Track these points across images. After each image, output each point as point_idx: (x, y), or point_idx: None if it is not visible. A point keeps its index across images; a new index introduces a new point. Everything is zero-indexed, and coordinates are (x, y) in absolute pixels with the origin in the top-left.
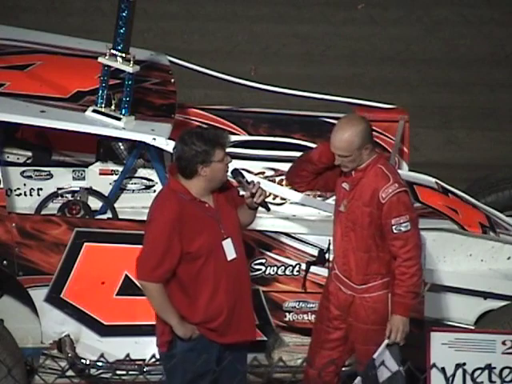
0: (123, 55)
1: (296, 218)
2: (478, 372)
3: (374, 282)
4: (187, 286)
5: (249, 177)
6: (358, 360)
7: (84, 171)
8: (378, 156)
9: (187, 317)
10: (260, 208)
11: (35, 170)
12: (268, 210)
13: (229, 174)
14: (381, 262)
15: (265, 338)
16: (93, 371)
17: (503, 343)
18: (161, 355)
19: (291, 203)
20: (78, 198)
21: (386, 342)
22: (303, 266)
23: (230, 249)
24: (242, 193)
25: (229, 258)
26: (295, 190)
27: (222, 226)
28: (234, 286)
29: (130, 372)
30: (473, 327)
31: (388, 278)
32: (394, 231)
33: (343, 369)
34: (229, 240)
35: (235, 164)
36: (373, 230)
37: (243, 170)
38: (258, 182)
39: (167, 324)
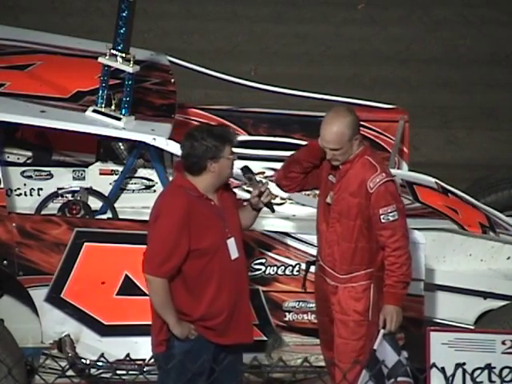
0: (123, 55)
1: (296, 217)
2: (478, 372)
3: (357, 272)
4: (191, 283)
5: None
6: (336, 356)
7: (84, 171)
8: (364, 147)
9: (187, 313)
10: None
11: (35, 170)
12: (273, 211)
13: (239, 171)
14: (366, 252)
15: (265, 338)
16: (93, 371)
17: (503, 343)
18: (156, 356)
19: (291, 203)
20: (78, 198)
21: (382, 331)
22: (303, 266)
23: (233, 248)
24: (247, 189)
25: (232, 257)
26: (285, 192)
27: (226, 224)
28: (236, 285)
29: (130, 372)
30: (473, 327)
31: (372, 269)
32: (382, 221)
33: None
34: (232, 239)
35: (236, 164)
36: (360, 220)
37: None
38: (267, 182)
39: (165, 322)
